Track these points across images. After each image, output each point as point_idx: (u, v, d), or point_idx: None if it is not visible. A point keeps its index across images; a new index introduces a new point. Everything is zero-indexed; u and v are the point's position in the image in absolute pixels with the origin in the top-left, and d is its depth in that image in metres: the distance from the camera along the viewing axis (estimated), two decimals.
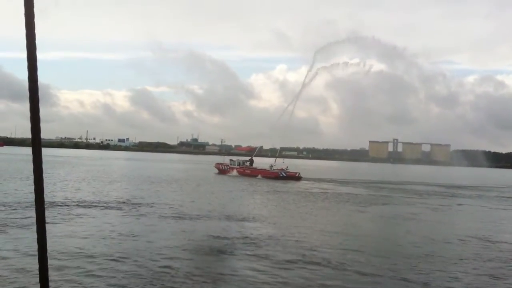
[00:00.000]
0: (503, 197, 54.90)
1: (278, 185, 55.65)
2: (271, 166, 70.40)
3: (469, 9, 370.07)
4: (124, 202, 32.01)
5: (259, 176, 66.93)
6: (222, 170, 74.55)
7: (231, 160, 76.71)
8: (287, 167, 69.00)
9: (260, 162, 76.27)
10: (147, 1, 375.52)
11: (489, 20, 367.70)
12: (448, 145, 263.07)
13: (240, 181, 58.96)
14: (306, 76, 75.32)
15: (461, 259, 18.96)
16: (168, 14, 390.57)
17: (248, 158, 76.35)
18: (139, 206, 30.41)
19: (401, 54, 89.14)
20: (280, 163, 71.72)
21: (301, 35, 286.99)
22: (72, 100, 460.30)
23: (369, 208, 37.05)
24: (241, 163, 73.45)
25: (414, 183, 70.40)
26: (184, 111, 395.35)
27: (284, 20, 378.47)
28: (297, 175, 67.53)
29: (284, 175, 66.62)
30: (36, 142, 2.13)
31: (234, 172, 71.18)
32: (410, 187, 62.55)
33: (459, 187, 67.82)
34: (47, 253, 2.26)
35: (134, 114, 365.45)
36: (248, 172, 70.05)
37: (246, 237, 21.41)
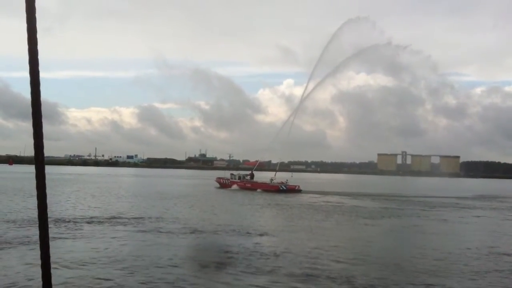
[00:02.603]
0: None
1: (279, 198, 54.54)
2: (272, 179, 70.08)
3: (475, 21, 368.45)
4: (131, 218, 31.70)
5: (259, 190, 66.57)
6: (223, 184, 74.00)
7: (231, 174, 76.44)
8: (287, 180, 68.90)
9: (262, 176, 75.54)
10: (152, 19, 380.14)
11: (495, 31, 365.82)
12: (457, 157, 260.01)
13: (240, 195, 58.00)
14: (305, 88, 74.81)
15: (477, 272, 17.89)
16: (174, 31, 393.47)
17: (248, 172, 76.07)
18: (145, 222, 30.04)
19: (408, 67, 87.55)
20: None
21: (307, 49, 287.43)
22: (80, 118, 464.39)
23: (376, 221, 35.35)
24: (241, 177, 73.05)
25: (424, 196, 67.79)
26: (191, 127, 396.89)
27: (290, 35, 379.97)
28: (297, 188, 67.47)
29: (285, 188, 66.27)
30: (39, 158, 2.13)
31: (235, 186, 70.69)
32: (421, 199, 60.16)
33: (470, 198, 65.73)
34: (51, 268, 2.23)
35: (142, 131, 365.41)
36: (249, 185, 69.58)
37: (250, 251, 20.72)
